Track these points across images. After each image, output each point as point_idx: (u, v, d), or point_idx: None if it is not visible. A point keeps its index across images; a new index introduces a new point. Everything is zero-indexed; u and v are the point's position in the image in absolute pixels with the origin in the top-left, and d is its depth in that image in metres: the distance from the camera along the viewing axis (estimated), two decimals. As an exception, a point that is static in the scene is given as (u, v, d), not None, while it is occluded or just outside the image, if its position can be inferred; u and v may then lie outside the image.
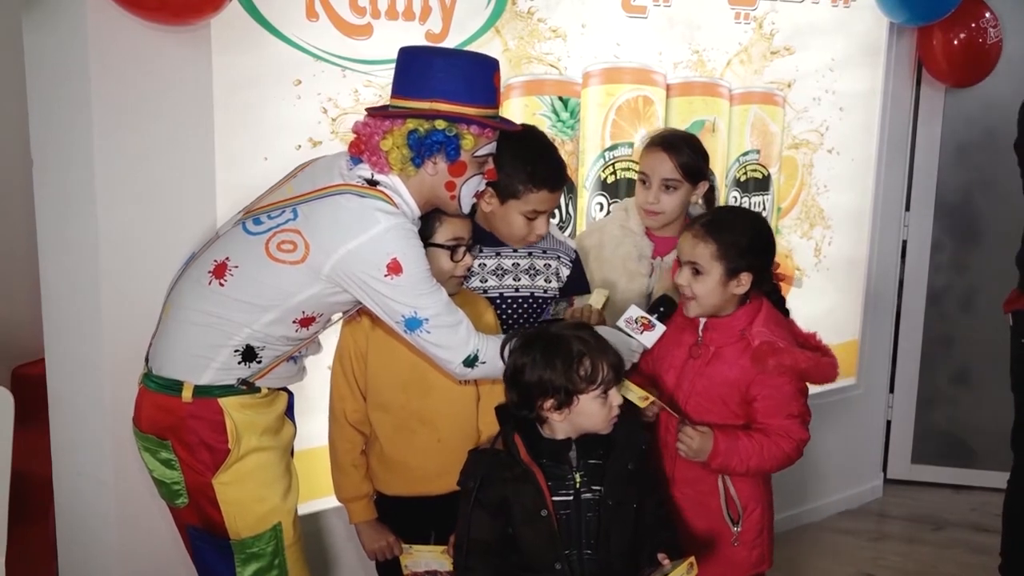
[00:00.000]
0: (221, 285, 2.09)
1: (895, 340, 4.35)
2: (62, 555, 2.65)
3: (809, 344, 2.34)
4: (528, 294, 2.45)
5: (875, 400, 4.30)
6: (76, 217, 2.39)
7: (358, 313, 2.30)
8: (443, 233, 2.25)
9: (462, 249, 2.26)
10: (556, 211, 3.10)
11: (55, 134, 2.41)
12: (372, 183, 2.11)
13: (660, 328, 2.30)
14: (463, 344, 2.13)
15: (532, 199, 2.32)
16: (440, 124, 2.07)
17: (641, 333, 2.28)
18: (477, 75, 2.12)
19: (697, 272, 2.26)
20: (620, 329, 2.28)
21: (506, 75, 2.92)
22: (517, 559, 2.09)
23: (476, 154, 2.14)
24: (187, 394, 2.08)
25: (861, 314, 4.10)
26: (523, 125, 2.34)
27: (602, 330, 2.22)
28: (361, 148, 2.13)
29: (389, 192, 2.10)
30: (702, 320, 2.32)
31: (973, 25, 3.85)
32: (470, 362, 2.14)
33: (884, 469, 4.43)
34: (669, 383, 2.35)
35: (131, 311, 2.37)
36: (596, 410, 2.06)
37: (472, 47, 2.81)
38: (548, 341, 2.08)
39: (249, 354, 2.11)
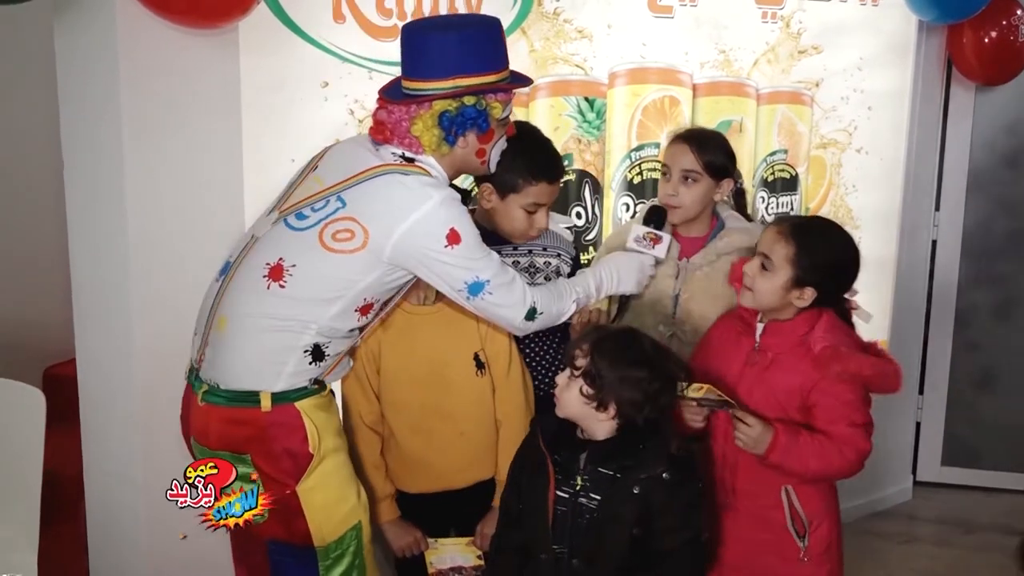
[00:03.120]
0: (281, 287, 2.04)
1: (925, 341, 4.31)
2: (92, 554, 2.67)
3: (872, 351, 2.23)
4: None
5: (905, 402, 4.25)
6: (106, 218, 2.41)
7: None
8: None
9: None
10: (582, 211, 3.10)
11: (85, 136, 2.44)
12: (408, 160, 2.12)
13: (667, 236, 2.42)
14: (521, 300, 2.18)
15: (531, 192, 2.35)
16: (469, 100, 2.08)
17: (653, 248, 2.40)
18: (490, 41, 2.12)
19: (765, 267, 2.19)
20: (634, 250, 2.40)
21: (532, 75, 2.92)
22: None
23: (500, 117, 2.16)
24: (266, 403, 2.04)
25: (890, 315, 4.05)
26: (517, 121, 2.34)
27: (618, 255, 2.39)
28: (386, 135, 2.13)
29: (426, 166, 2.13)
30: (760, 325, 2.24)
31: (1004, 22, 3.80)
32: (531, 315, 2.20)
33: (914, 471, 4.38)
34: (724, 391, 2.21)
35: (161, 312, 2.40)
36: None
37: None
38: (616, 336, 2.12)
39: (317, 353, 2.08)
